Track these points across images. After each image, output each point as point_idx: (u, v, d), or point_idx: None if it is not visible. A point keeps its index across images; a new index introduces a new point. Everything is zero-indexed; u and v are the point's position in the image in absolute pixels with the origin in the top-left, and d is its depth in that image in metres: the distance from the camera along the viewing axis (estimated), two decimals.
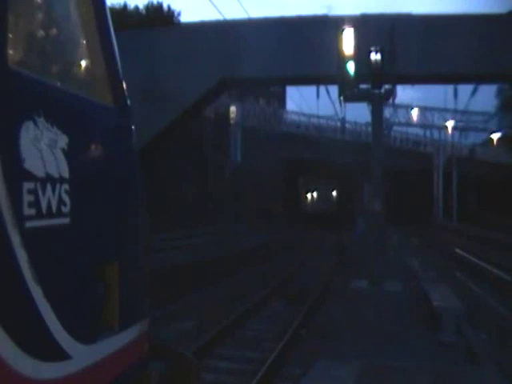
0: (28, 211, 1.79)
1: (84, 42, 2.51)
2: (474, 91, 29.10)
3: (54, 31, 2.34)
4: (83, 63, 2.57)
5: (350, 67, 15.19)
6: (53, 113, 1.97)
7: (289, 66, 23.65)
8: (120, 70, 2.68)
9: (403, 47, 18.10)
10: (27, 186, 1.79)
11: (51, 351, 1.90)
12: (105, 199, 2.38)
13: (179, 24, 39.05)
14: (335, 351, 8.57)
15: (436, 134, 54.84)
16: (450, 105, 46.92)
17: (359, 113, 26.26)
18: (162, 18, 39.78)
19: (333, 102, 22.13)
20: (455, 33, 22.58)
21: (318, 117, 53.04)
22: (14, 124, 1.78)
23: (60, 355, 1.93)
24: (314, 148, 52.06)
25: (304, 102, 63.77)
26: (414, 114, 52.93)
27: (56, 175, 1.93)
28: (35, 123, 1.86)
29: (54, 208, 1.91)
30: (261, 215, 47.88)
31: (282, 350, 8.97)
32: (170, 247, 22.93)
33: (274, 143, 50.11)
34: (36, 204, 1.82)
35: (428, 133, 55.75)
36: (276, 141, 50.44)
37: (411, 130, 56.82)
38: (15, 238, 1.72)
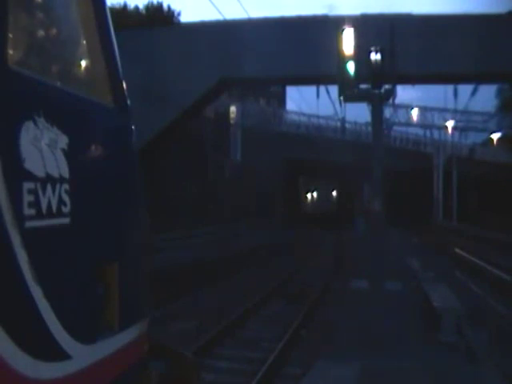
0: (28, 211, 1.79)
1: (84, 42, 2.51)
2: (474, 91, 29.10)
3: (54, 31, 2.34)
4: (83, 63, 2.57)
5: (350, 67, 15.18)
6: (53, 113, 1.97)
7: (289, 65, 23.64)
8: (120, 70, 2.67)
9: (403, 47, 18.09)
10: (27, 186, 1.79)
11: (51, 351, 1.90)
12: (105, 199, 2.38)
13: (179, 24, 39.04)
14: (335, 351, 8.56)
15: (436, 134, 54.84)
16: (450, 105, 46.98)
17: (359, 113, 26.25)
18: (162, 18, 39.79)
19: (333, 102, 22.14)
20: (455, 33, 22.57)
21: (318, 117, 53.04)
22: (14, 124, 1.78)
23: (60, 355, 1.93)
24: (314, 148, 52.02)
25: (304, 102, 63.79)
26: (414, 114, 52.92)
27: (56, 175, 1.93)
28: (35, 123, 1.85)
29: (54, 208, 1.91)
30: (261, 215, 47.88)
31: (281, 350, 8.97)
32: (170, 247, 22.94)
33: (273, 143, 50.09)
34: (36, 204, 1.82)
35: (428, 133, 55.74)
36: (276, 141, 50.41)
37: (411, 130, 56.86)
38: (15, 238, 1.72)
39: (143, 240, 2.81)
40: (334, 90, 18.89)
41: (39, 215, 1.84)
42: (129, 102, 2.75)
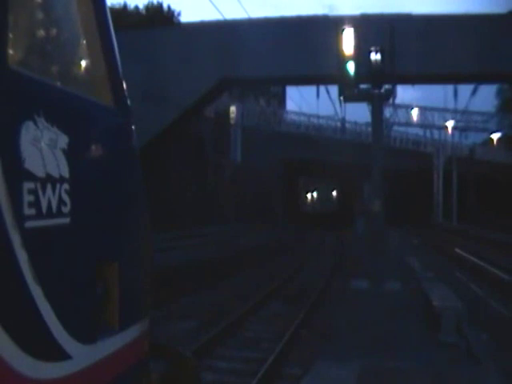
0: (28, 211, 1.78)
1: (84, 41, 2.51)
2: (474, 91, 29.09)
3: (54, 31, 2.34)
4: (83, 63, 2.57)
5: (350, 67, 15.19)
6: (53, 113, 1.97)
7: (289, 65, 23.64)
8: (120, 70, 2.67)
9: (403, 47, 18.11)
10: (27, 186, 1.79)
11: (51, 351, 1.90)
12: (105, 199, 2.38)
13: (179, 24, 39.07)
14: (335, 351, 8.56)
15: (436, 134, 54.83)
16: (450, 105, 46.97)
17: (359, 113, 26.25)
18: (162, 18, 39.85)
19: (333, 102, 22.18)
20: (455, 33, 22.57)
21: (318, 117, 53.04)
22: (14, 124, 1.78)
23: (60, 355, 1.93)
24: (314, 148, 52.05)
25: (304, 102, 63.81)
26: (414, 114, 52.91)
27: (56, 175, 1.93)
28: (35, 123, 1.85)
29: (54, 208, 1.90)
30: (261, 215, 47.90)
31: (281, 351, 8.97)
32: (170, 247, 22.95)
33: (273, 143, 50.12)
34: (36, 204, 1.82)
35: (428, 133, 55.74)
36: (276, 141, 50.46)
37: (411, 130, 56.86)
38: (15, 238, 1.72)
39: (144, 240, 2.81)
40: (334, 90, 18.93)
41: (39, 215, 1.84)
42: (129, 101, 2.75)
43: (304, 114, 53.91)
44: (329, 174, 68.25)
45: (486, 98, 45.90)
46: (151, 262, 2.96)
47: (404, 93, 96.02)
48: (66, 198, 1.97)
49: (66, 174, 1.99)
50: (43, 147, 1.89)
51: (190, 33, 25.33)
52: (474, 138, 61.09)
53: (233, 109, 48.78)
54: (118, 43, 2.65)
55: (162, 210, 26.86)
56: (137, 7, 42.13)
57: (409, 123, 53.59)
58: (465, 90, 33.42)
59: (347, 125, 48.27)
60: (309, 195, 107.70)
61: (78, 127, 2.20)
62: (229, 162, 47.96)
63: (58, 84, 2.23)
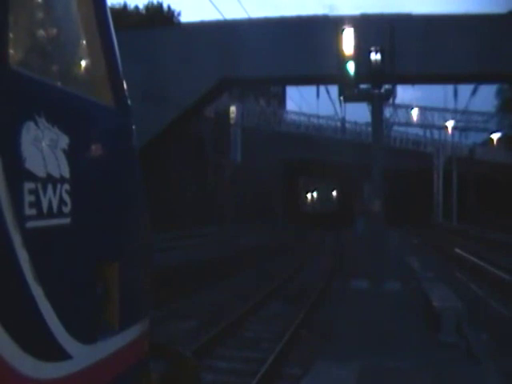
0: (29, 211, 1.79)
1: (84, 41, 2.51)
2: (474, 91, 29.08)
3: (54, 31, 2.34)
4: (83, 63, 2.57)
5: (350, 67, 15.18)
6: (53, 113, 1.97)
7: (289, 65, 23.63)
8: (120, 70, 2.68)
9: (403, 47, 18.09)
10: (28, 186, 1.79)
11: (52, 351, 1.90)
12: (105, 199, 2.39)
13: (179, 24, 39.08)
14: (335, 351, 8.56)
15: (436, 134, 54.80)
16: (450, 105, 46.93)
17: (359, 113, 26.24)
18: (162, 18, 39.87)
19: (333, 102, 22.16)
20: (455, 33, 22.55)
21: (318, 117, 53.02)
22: (14, 124, 1.78)
23: (60, 355, 1.93)
24: (314, 148, 52.05)
25: (304, 102, 63.81)
26: (414, 114, 52.87)
27: (57, 175, 1.93)
28: (36, 123, 1.86)
29: (54, 208, 1.91)
30: (261, 215, 47.90)
31: (281, 351, 8.97)
32: (170, 247, 22.95)
33: (273, 143, 50.13)
34: (37, 204, 1.82)
35: (428, 133, 55.71)
36: (276, 141, 50.46)
37: (411, 130, 56.81)
38: (16, 238, 1.72)
39: (144, 240, 2.81)
40: (334, 90, 18.91)
41: (40, 215, 1.84)
42: (129, 101, 2.75)
43: (304, 114, 53.88)
44: (329, 173, 68.27)
45: (486, 98, 45.91)
46: (151, 261, 2.96)
47: (404, 93, 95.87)
48: (66, 198, 1.98)
49: (67, 174, 1.99)
50: (44, 147, 1.89)
51: (190, 33, 25.32)
52: (474, 138, 61.14)
53: (233, 109, 48.76)
54: (118, 43, 2.65)
55: (162, 209, 26.86)
56: (137, 7, 42.19)
57: (409, 123, 53.53)
58: (465, 90, 33.42)
59: (347, 125, 48.27)
60: (309, 195, 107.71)
61: (79, 127, 2.21)
62: (229, 162, 47.95)
63: (59, 84, 2.24)
